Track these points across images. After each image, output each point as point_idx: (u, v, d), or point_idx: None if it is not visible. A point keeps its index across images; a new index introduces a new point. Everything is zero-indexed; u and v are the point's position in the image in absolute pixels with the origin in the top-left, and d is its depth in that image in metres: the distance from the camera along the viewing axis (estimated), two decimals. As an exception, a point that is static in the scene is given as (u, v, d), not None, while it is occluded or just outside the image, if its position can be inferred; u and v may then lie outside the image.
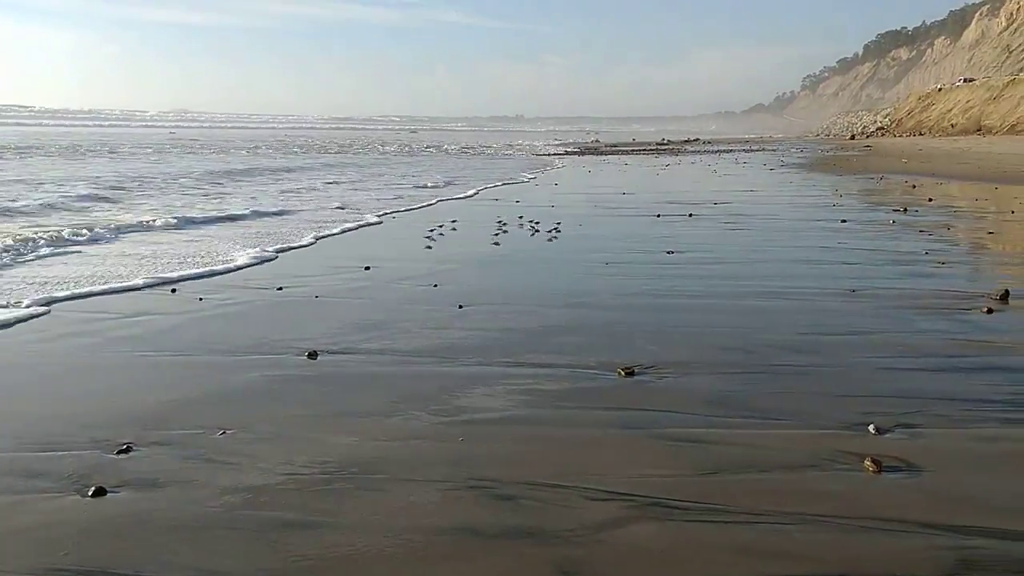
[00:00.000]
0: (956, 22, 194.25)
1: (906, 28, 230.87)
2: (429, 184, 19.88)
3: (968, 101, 63.13)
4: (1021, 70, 64.95)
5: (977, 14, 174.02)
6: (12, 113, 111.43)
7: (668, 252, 9.58)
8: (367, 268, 8.44)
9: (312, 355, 5.30)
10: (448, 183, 20.24)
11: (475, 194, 17.81)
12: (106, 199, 15.14)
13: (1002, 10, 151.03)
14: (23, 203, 13.62)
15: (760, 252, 9.68)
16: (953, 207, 14.38)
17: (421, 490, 3.38)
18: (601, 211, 13.71)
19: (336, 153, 37.59)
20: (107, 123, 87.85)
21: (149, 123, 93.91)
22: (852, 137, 64.96)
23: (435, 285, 7.60)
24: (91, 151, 31.85)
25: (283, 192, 17.11)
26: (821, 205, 14.69)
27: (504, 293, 7.44)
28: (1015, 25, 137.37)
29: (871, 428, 4.02)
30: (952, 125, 61.95)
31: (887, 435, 3.96)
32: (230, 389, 4.69)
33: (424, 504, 3.27)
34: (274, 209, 13.85)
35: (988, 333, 5.79)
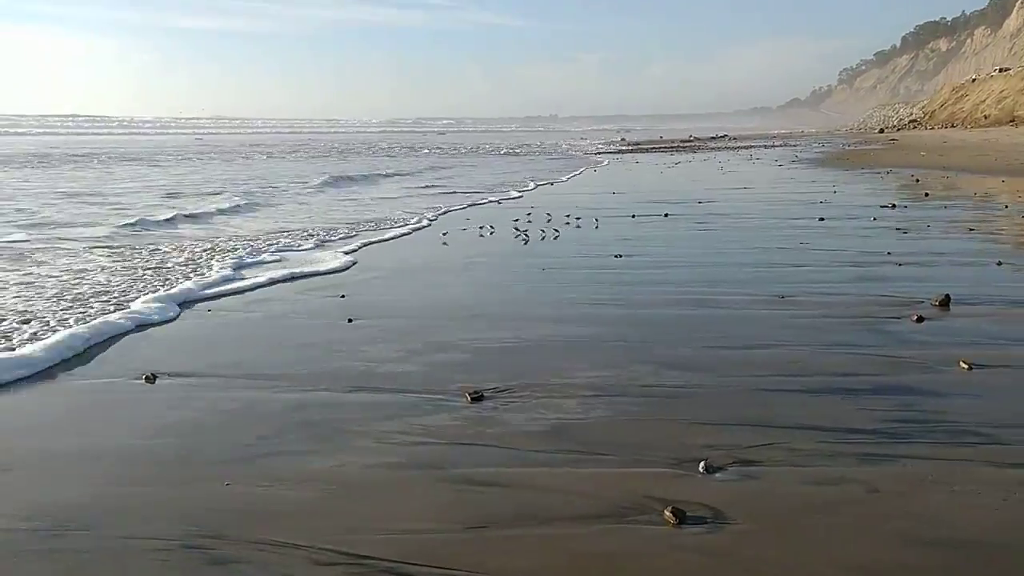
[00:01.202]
0: (997, 11, 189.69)
1: (945, 19, 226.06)
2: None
3: (1002, 91, 61.26)
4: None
5: (1019, 2, 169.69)
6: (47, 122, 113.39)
7: (617, 256, 9.06)
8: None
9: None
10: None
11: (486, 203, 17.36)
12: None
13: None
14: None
15: (713, 255, 9.13)
16: (947, 202, 13.62)
17: (126, 551, 2.91)
18: (580, 213, 13.18)
19: (423, 155, 37.41)
20: (146, 130, 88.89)
21: (182, 129, 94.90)
22: (881, 131, 63.39)
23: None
24: (169, 157, 31.92)
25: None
26: (808, 202, 14.01)
27: (407, 307, 6.95)
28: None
29: (701, 466, 3.47)
30: (985, 116, 60.15)
31: (716, 475, 3.42)
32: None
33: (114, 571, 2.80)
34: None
35: (902, 347, 5.19)
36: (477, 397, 4.47)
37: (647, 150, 43.64)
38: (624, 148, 46.34)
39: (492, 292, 7.45)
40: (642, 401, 4.34)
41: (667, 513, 3.07)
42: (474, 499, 3.26)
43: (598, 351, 5.32)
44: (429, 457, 3.69)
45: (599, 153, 39.93)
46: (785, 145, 45.56)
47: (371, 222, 12.55)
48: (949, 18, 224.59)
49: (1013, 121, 54.23)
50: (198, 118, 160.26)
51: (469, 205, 15.14)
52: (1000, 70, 74.61)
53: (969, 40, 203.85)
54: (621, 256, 9.07)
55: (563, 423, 4.05)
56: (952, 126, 61.55)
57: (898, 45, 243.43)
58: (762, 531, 2.96)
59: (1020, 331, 5.51)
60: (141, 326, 6.07)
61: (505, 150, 43.73)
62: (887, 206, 13.10)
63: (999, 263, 7.97)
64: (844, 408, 4.13)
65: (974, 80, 72.51)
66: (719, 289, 7.20)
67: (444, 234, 11.20)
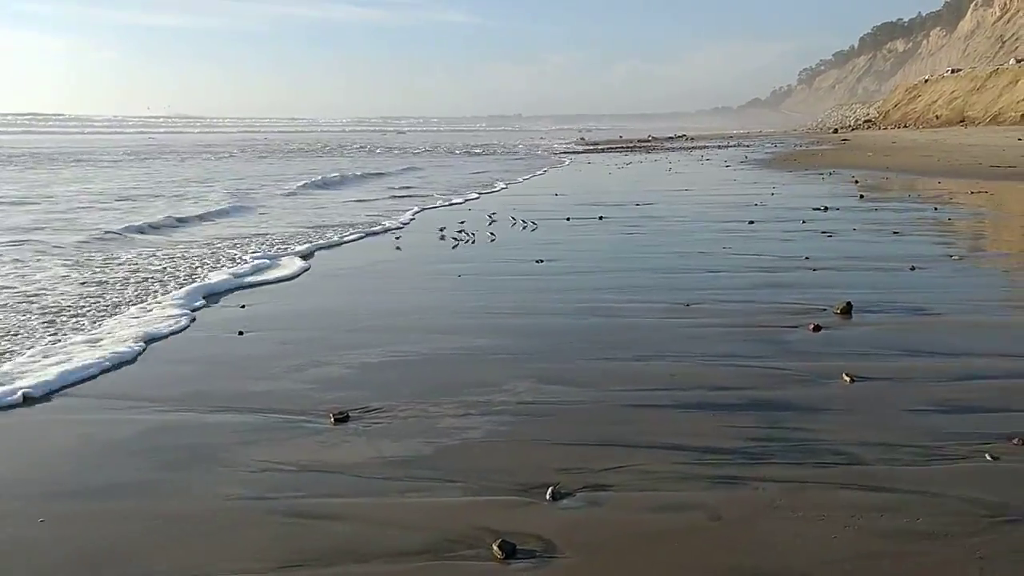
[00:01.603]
0: (951, 13, 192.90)
1: (902, 20, 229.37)
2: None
3: (952, 92, 62.28)
4: (1018, 61, 63.91)
5: (972, 4, 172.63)
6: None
7: (538, 261, 8.91)
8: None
9: None
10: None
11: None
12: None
13: (996, 0, 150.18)
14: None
15: (633, 260, 9.03)
16: (880, 204, 13.68)
17: None
18: (523, 215, 13.05)
19: (396, 156, 36.89)
20: (96, 129, 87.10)
21: (140, 128, 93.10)
22: (835, 131, 64.08)
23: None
24: (149, 158, 31.12)
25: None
26: (744, 205, 13.98)
27: (307, 317, 6.74)
28: (1008, 15, 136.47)
29: (548, 492, 3.32)
30: (937, 117, 61.13)
31: (561, 502, 3.27)
32: None
33: None
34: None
35: (790, 358, 5.09)
36: (341, 418, 4.29)
37: (603, 150, 43.67)
38: (581, 149, 46.27)
39: (395, 301, 7.25)
40: (511, 420, 4.19)
41: (495, 547, 2.91)
42: (299, 534, 3.08)
43: (483, 365, 5.16)
44: (271, 486, 3.50)
45: (556, 154, 39.83)
46: (739, 145, 45.83)
47: (323, 228, 12.25)
48: (906, 19, 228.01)
49: (963, 121, 55.16)
50: (156, 116, 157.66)
51: (421, 209, 14.85)
52: (952, 71, 75.89)
53: (925, 41, 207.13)
54: (542, 261, 8.92)
55: (422, 446, 3.88)
56: (905, 126, 62.47)
57: (856, 46, 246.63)
58: (590, 565, 2.82)
59: (913, 341, 5.43)
60: None
61: (464, 150, 43.52)
62: (819, 209, 13.11)
63: (912, 268, 7.94)
64: (712, 425, 4.01)
65: (926, 81, 73.69)
66: (627, 296, 7.08)
67: (397, 238, 11.05)
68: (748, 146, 43.84)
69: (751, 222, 11.79)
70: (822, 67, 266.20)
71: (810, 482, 3.37)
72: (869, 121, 76.37)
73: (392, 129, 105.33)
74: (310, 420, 4.27)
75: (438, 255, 9.74)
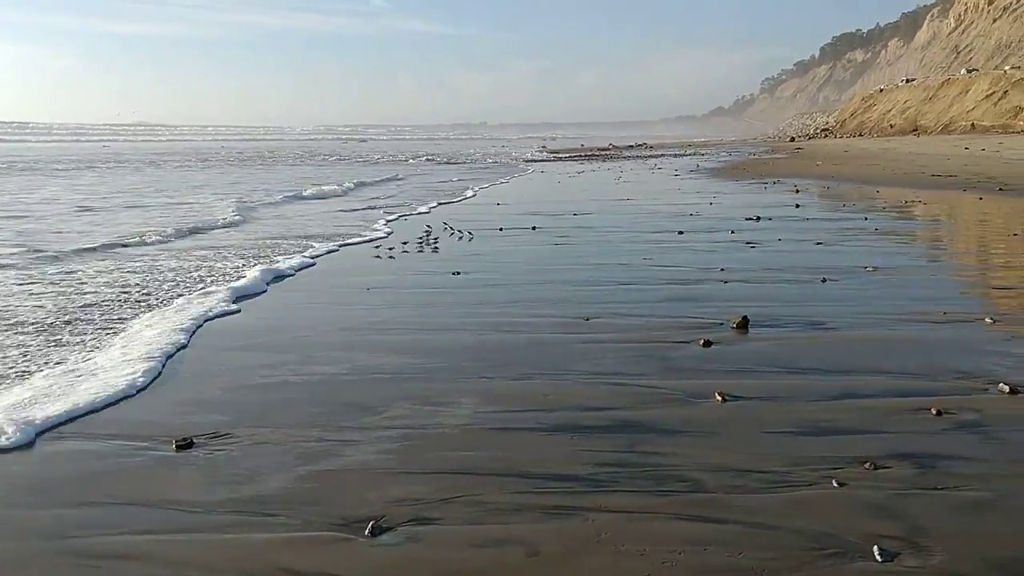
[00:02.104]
0: (909, 24, 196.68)
1: (861, 31, 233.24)
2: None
3: (906, 101, 63.29)
4: (969, 71, 65.12)
5: (929, 16, 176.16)
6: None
7: (455, 273, 8.75)
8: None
9: None
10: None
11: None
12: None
13: (951, 11, 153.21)
14: None
15: (550, 272, 8.89)
16: (812, 214, 13.69)
17: None
18: (464, 224, 12.89)
19: (372, 164, 36.44)
20: (54, 137, 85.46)
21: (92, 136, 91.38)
22: (792, 139, 64.82)
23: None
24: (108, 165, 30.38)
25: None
26: (679, 215, 13.93)
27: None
28: (963, 26, 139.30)
29: (368, 528, 3.13)
30: (891, 126, 62.08)
31: (380, 537, 3.09)
32: None
33: None
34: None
35: (671, 376, 4.96)
36: (184, 445, 4.06)
37: (563, 159, 43.69)
38: (541, 158, 46.23)
39: (294, 318, 7.02)
40: (367, 448, 4.00)
41: (287, 589, 2.71)
42: (89, 577, 2.86)
43: (363, 387, 4.96)
44: (82, 523, 3.27)
45: (517, 163, 39.72)
46: (695, 154, 46.11)
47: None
48: (865, 30, 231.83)
49: (916, 130, 56.04)
50: (119, 124, 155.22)
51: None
52: (907, 80, 77.12)
53: (883, 51, 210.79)
54: (459, 274, 8.74)
55: (258, 477, 3.68)
56: (860, 135, 63.36)
57: (817, 56, 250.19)
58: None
59: (800, 357, 5.32)
60: None
61: (426, 158, 43.34)
62: (752, 219, 13.08)
63: (824, 280, 7.87)
64: (567, 450, 3.85)
65: (882, 90, 74.85)
66: (533, 311, 6.93)
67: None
68: (704, 155, 44.12)
69: (681, 232, 11.72)
70: (783, 76, 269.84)
71: (646, 512, 3.22)
72: (826, 130, 77.39)
73: (357, 137, 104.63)
74: (155, 447, 4.04)
75: (359, 268, 9.50)
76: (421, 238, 11.63)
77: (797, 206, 14.98)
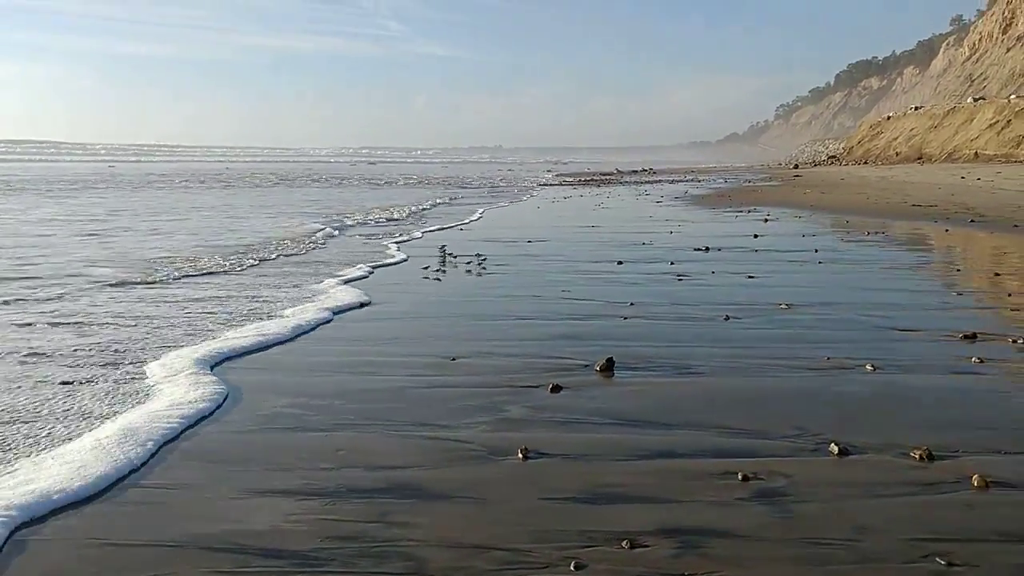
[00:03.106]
0: (924, 52, 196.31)
1: (877, 58, 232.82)
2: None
3: (912, 129, 62.74)
4: (975, 99, 64.49)
5: (944, 44, 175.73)
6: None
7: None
8: None
9: None
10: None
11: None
12: None
13: (966, 40, 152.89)
14: None
15: (455, 306, 8.56)
16: (767, 245, 13.26)
17: None
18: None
19: (413, 187, 36.30)
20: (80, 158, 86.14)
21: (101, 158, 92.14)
22: (796, 166, 64.30)
23: None
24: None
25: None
26: (632, 244, 13.59)
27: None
28: (977, 55, 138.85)
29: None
30: (897, 153, 61.52)
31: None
32: None
33: None
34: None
35: (490, 427, 4.59)
36: None
37: (563, 184, 43.45)
38: (542, 182, 45.98)
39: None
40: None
41: None
42: None
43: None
44: None
45: (514, 188, 39.51)
46: (693, 180, 45.77)
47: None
48: (880, 57, 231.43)
49: (921, 158, 55.45)
50: (132, 144, 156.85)
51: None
52: (915, 108, 76.60)
53: (899, 79, 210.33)
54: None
55: None
56: (866, 163, 62.81)
57: (832, 83, 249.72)
58: None
59: (644, 407, 4.92)
60: None
61: (417, 180, 43.20)
62: (701, 249, 12.69)
63: (727, 318, 7.46)
64: (309, 518, 3.46)
65: (889, 118, 74.33)
66: (407, 349, 6.57)
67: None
68: (700, 181, 43.77)
69: (620, 263, 11.37)
70: (799, 103, 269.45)
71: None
72: (834, 157, 76.90)
73: (365, 160, 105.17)
74: None
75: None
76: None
77: (756, 236, 14.56)
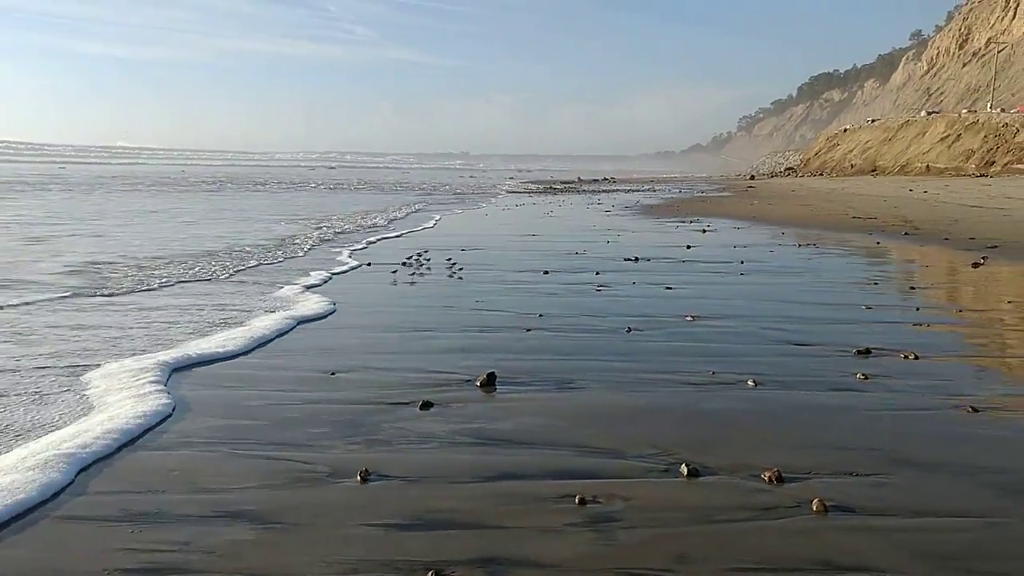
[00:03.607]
0: (885, 65, 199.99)
1: (838, 71, 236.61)
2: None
3: (867, 142, 63.64)
4: (929, 113, 65.57)
5: (904, 58, 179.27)
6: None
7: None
8: None
9: None
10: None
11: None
12: None
13: (924, 55, 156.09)
14: None
15: (363, 315, 8.31)
16: (696, 255, 13.24)
17: None
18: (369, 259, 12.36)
19: (371, 193, 35.67)
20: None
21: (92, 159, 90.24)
22: (752, 177, 64.92)
23: None
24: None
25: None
26: (565, 253, 13.49)
27: None
28: (935, 69, 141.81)
29: None
30: (851, 165, 62.36)
31: None
32: None
33: None
34: None
35: (343, 447, 4.39)
36: None
37: (523, 192, 43.35)
38: (504, 189, 45.89)
39: None
40: None
41: None
42: None
43: None
44: None
45: (472, 195, 39.32)
46: (649, 190, 45.98)
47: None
48: (842, 70, 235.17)
49: (875, 171, 56.24)
50: (92, 147, 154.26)
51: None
52: (871, 121, 77.78)
53: (860, 92, 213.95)
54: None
55: None
56: (821, 174, 63.59)
57: (794, 95, 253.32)
58: None
59: (509, 425, 4.77)
60: None
61: (391, 188, 42.86)
62: (631, 259, 12.62)
63: (628, 330, 7.36)
64: (103, 549, 3.23)
65: (845, 130, 75.40)
66: (289, 362, 6.33)
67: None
68: (656, 191, 43.98)
69: (546, 272, 11.24)
70: (761, 115, 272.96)
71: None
72: (791, 168, 77.81)
73: (325, 165, 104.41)
74: None
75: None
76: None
77: (688, 247, 14.54)
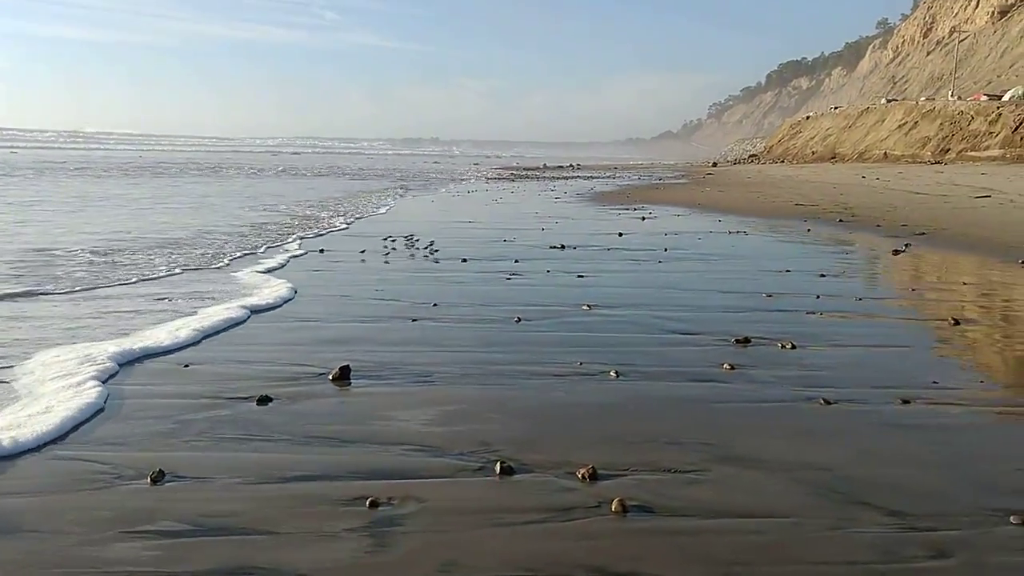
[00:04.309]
0: (852, 54, 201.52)
1: (806, 58, 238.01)
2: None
3: (828, 129, 63.97)
4: (888, 101, 66.00)
5: (871, 46, 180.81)
6: None
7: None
8: None
9: None
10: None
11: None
12: None
13: (890, 43, 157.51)
14: None
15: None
16: (624, 243, 13.11)
17: None
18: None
19: (331, 177, 34.95)
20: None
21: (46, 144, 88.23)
22: (714, 164, 65.09)
23: None
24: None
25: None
26: (493, 241, 13.30)
27: None
28: (900, 58, 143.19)
29: None
30: (812, 152, 62.66)
31: None
32: None
33: None
34: None
35: (148, 447, 4.12)
36: None
37: (476, 179, 43.05)
38: (466, 176, 45.56)
39: None
40: None
41: None
42: None
43: None
44: None
45: (431, 182, 38.97)
46: (610, 177, 45.86)
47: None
48: (810, 58, 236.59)
49: (835, 158, 56.53)
50: (50, 131, 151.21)
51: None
52: (834, 108, 78.18)
53: (827, 79, 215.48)
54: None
55: None
56: (783, 161, 63.84)
57: (763, 82, 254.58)
58: None
59: (340, 421, 4.57)
60: None
61: (348, 173, 42.34)
62: (556, 247, 12.44)
63: (518, 320, 7.18)
64: None
65: (808, 118, 75.78)
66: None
67: None
68: (615, 178, 43.88)
69: (464, 260, 11.03)
70: (731, 102, 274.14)
71: None
72: (754, 155, 78.09)
73: (288, 150, 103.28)
74: None
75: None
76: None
77: (620, 234, 14.40)
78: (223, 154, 79.36)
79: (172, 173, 37.67)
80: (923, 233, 13.91)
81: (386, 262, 10.91)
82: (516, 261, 10.99)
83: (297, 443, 4.21)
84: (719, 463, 3.90)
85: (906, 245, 12.41)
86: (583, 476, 3.72)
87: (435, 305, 7.88)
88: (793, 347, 6.19)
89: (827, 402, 4.84)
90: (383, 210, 20.33)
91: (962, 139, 46.11)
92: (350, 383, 5.34)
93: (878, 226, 15.30)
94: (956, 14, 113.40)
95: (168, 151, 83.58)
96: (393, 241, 13.56)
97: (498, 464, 3.84)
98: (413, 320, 7.23)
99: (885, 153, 50.38)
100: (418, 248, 12.47)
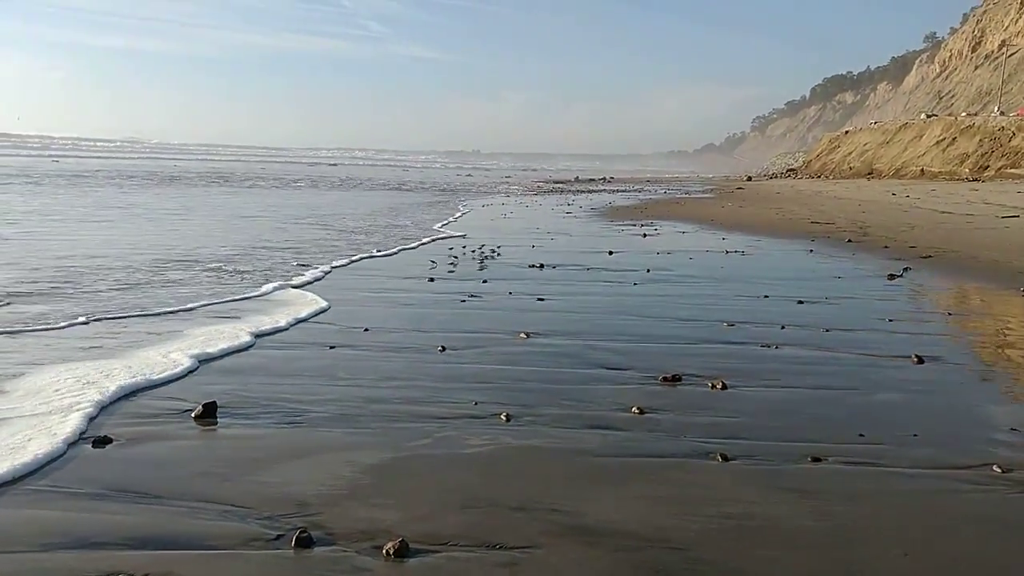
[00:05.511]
0: (898, 68, 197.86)
1: (852, 73, 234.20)
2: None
3: (866, 144, 62.49)
4: (928, 116, 64.27)
5: (917, 61, 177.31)
6: None
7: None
8: None
9: None
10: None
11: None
12: None
13: (937, 58, 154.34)
14: None
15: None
16: (614, 263, 12.54)
17: None
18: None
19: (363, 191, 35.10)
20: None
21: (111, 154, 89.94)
22: (749, 179, 63.90)
23: None
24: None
25: None
26: (470, 258, 12.73)
27: None
28: (947, 72, 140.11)
29: None
30: (850, 168, 61.25)
31: None
32: None
33: None
34: None
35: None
36: None
37: (501, 193, 42.69)
38: (499, 190, 45.26)
39: None
40: None
41: None
42: None
43: None
44: None
45: (470, 195, 38.68)
46: (639, 190, 45.20)
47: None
48: (855, 72, 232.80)
49: (871, 174, 55.11)
50: (98, 140, 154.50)
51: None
52: (874, 123, 76.51)
53: (872, 94, 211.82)
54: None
55: None
56: (821, 176, 62.50)
57: (807, 96, 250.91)
58: None
59: (157, 472, 4.07)
60: None
61: (375, 186, 42.21)
62: (535, 266, 11.90)
63: (442, 349, 6.66)
64: None
65: (847, 132, 74.22)
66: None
67: None
68: (642, 192, 43.22)
69: (431, 280, 10.55)
70: (774, 115, 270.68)
71: None
72: (792, 170, 76.68)
73: (327, 162, 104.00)
74: None
75: None
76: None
77: (610, 253, 13.83)
78: (252, 164, 79.83)
79: (206, 184, 37.79)
80: (929, 256, 13.10)
81: (343, 278, 10.45)
82: (484, 282, 10.47)
83: (94, 498, 3.71)
84: (556, 538, 3.33)
85: (905, 269, 11.63)
86: (388, 552, 3.17)
87: (366, 330, 7.39)
88: (724, 387, 5.57)
89: (724, 458, 4.22)
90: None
91: (1002, 156, 44.51)
92: (216, 421, 4.85)
93: (885, 247, 14.49)
94: (1007, 27, 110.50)
95: (206, 160, 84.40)
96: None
97: (296, 534, 3.30)
98: (330, 348, 6.73)
99: (922, 169, 48.90)
100: (387, 265, 12.02)
